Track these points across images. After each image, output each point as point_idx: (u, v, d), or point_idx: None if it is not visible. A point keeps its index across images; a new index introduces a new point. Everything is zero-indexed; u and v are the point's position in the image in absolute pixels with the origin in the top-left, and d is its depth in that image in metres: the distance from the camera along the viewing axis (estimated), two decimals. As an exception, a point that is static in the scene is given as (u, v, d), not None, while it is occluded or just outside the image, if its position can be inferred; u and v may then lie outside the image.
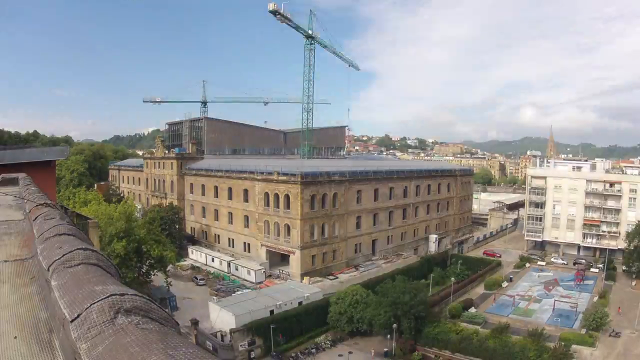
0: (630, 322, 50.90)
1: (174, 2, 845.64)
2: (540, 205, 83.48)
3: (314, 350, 43.93)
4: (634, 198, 76.13)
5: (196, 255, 69.44)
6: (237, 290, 54.20)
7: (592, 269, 72.28)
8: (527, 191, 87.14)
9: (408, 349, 43.05)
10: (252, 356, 41.60)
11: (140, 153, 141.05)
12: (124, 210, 46.10)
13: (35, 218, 4.06)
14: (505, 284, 64.41)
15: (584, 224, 79.43)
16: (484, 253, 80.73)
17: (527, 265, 75.83)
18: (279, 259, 62.77)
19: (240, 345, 41.27)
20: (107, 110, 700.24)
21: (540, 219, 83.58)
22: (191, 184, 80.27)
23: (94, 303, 1.67)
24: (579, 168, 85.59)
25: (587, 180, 79.82)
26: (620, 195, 76.83)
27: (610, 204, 77.71)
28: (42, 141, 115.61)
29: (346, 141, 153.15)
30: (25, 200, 5.67)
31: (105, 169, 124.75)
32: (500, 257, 78.51)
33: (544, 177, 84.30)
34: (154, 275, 50.36)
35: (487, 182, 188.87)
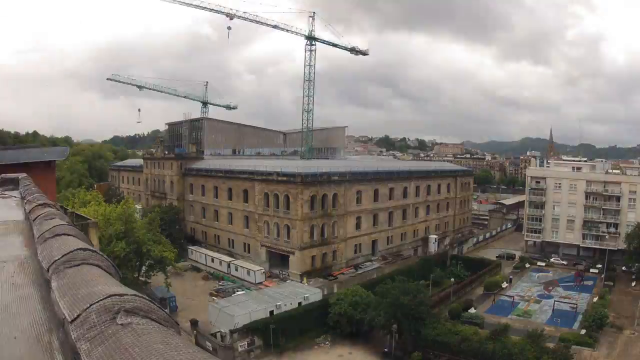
0: (630, 322, 50.95)
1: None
2: (539, 205, 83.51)
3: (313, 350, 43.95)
4: (634, 199, 76.15)
5: (196, 256, 69.43)
6: (237, 291, 54.22)
7: (591, 270, 72.33)
8: (527, 192, 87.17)
9: (408, 349, 43.04)
10: (251, 357, 41.60)
11: (140, 153, 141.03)
12: (123, 212, 46.05)
13: (35, 218, 4.06)
14: (504, 285, 64.41)
15: (584, 225, 79.47)
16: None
17: (527, 265, 75.82)
18: (279, 259, 62.75)
19: (240, 346, 41.27)
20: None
21: (540, 220, 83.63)
22: (191, 185, 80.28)
23: (94, 303, 1.67)
24: (578, 169, 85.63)
25: (586, 181, 79.85)
26: (620, 196, 76.85)
27: (610, 204, 77.73)
28: (42, 141, 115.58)
29: (346, 141, 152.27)
30: (25, 200, 5.67)
31: (105, 169, 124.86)
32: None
33: (544, 178, 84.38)
34: (153, 275, 50.38)
35: (486, 182, 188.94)
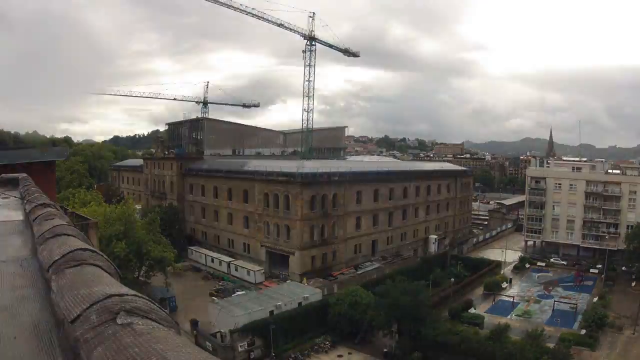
0: (630, 322, 50.92)
1: None
2: (539, 205, 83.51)
3: (313, 352, 43.94)
4: (634, 199, 76.16)
5: (196, 256, 69.47)
6: (237, 291, 54.21)
7: (591, 270, 72.33)
8: (527, 192, 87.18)
9: (408, 350, 43.04)
10: (251, 357, 41.60)
11: (140, 153, 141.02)
12: (122, 213, 46.03)
13: (35, 218, 4.06)
14: (504, 285, 64.42)
15: (584, 225, 79.47)
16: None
17: (527, 266, 75.84)
18: (279, 259, 62.75)
19: (240, 346, 41.27)
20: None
21: (540, 220, 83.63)
22: (191, 185, 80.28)
23: (94, 304, 1.67)
24: (578, 169, 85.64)
25: (586, 181, 79.86)
26: (620, 196, 76.86)
27: (610, 204, 77.72)
28: (42, 142, 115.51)
29: (345, 142, 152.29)
30: (25, 200, 5.68)
31: (105, 169, 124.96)
32: None
33: (544, 178, 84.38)
34: (153, 275, 50.36)
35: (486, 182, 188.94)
